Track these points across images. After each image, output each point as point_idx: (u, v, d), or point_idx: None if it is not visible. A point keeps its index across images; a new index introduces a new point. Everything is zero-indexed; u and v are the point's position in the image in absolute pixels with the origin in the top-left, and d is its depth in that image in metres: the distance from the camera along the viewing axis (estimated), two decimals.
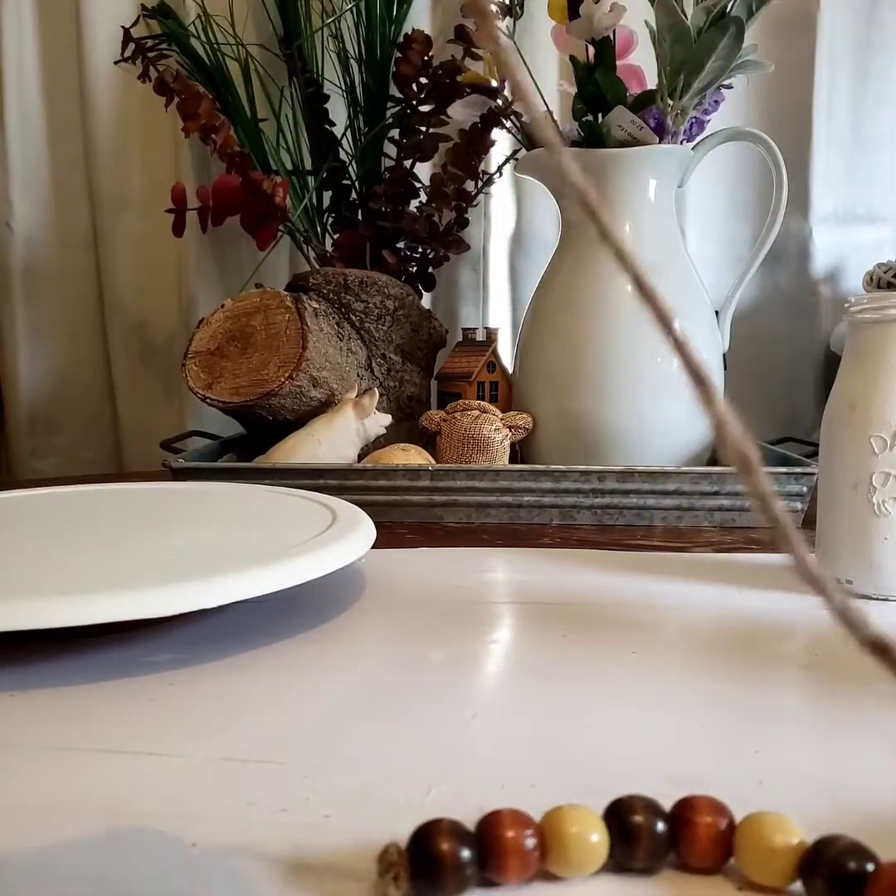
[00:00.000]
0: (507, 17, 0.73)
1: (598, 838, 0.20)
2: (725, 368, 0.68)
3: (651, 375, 0.63)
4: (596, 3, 0.61)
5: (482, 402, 0.66)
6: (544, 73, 0.83)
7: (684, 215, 0.87)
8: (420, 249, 0.83)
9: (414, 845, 0.19)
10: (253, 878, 0.20)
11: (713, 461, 0.68)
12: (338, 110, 0.86)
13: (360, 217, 0.85)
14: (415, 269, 0.84)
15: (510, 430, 0.65)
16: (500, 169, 0.83)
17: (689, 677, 0.32)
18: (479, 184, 0.82)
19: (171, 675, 0.33)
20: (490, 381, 0.75)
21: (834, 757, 0.26)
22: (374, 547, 0.42)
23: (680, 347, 0.12)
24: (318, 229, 0.87)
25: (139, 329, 0.95)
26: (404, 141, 0.82)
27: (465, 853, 0.19)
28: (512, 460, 0.66)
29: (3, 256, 0.93)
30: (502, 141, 0.82)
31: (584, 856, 0.20)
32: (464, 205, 0.81)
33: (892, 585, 0.40)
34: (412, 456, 0.63)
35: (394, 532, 0.56)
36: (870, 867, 0.18)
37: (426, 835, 0.19)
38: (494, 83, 0.73)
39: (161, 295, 0.95)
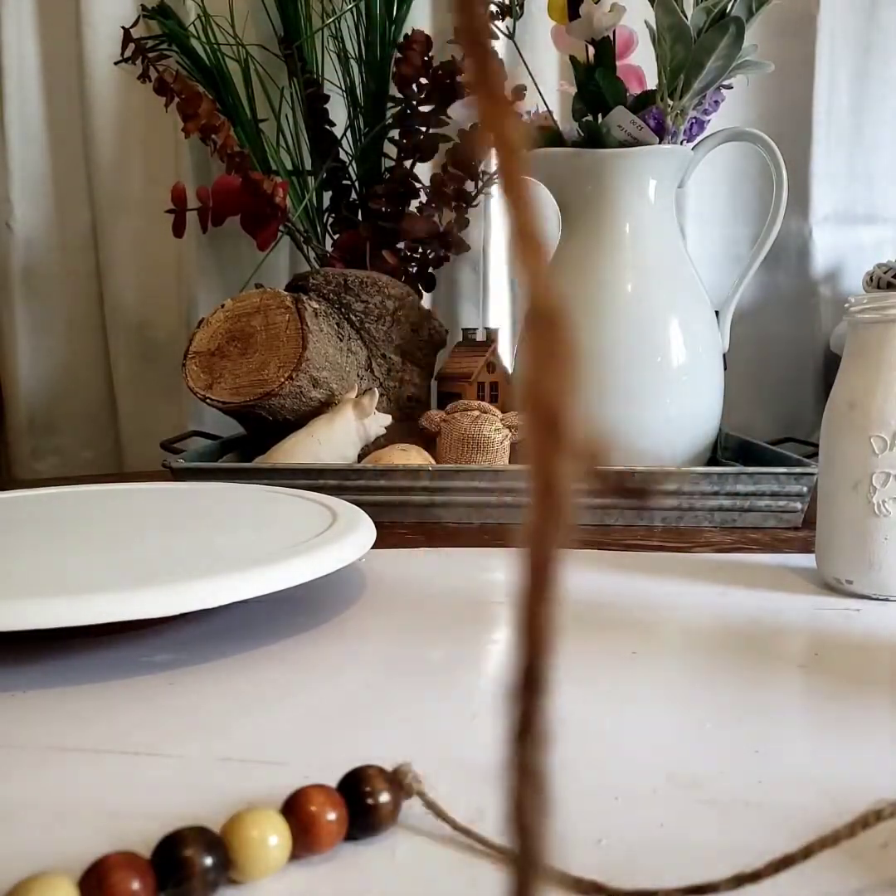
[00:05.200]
0: (507, 17, 0.73)
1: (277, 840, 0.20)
2: (725, 368, 0.68)
3: (651, 375, 0.63)
4: (596, 3, 0.61)
5: (482, 403, 0.66)
6: (544, 73, 0.83)
7: (684, 215, 0.87)
8: (420, 249, 0.83)
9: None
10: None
11: (713, 461, 0.68)
12: (338, 110, 0.86)
13: (360, 217, 0.85)
14: (415, 269, 0.84)
15: (510, 430, 0.65)
16: None
17: (688, 677, 0.32)
18: (479, 184, 0.82)
19: (171, 675, 0.33)
20: (490, 382, 0.75)
21: (834, 757, 0.26)
22: (374, 547, 0.42)
23: None
24: (318, 229, 0.87)
25: (139, 329, 0.95)
26: (404, 141, 0.82)
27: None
28: (512, 460, 0.66)
29: (3, 256, 0.92)
30: None
31: (268, 856, 0.20)
32: (464, 205, 0.81)
33: (892, 585, 0.40)
34: (412, 456, 0.63)
35: (394, 532, 0.56)
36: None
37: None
38: None
39: (161, 295, 0.94)
